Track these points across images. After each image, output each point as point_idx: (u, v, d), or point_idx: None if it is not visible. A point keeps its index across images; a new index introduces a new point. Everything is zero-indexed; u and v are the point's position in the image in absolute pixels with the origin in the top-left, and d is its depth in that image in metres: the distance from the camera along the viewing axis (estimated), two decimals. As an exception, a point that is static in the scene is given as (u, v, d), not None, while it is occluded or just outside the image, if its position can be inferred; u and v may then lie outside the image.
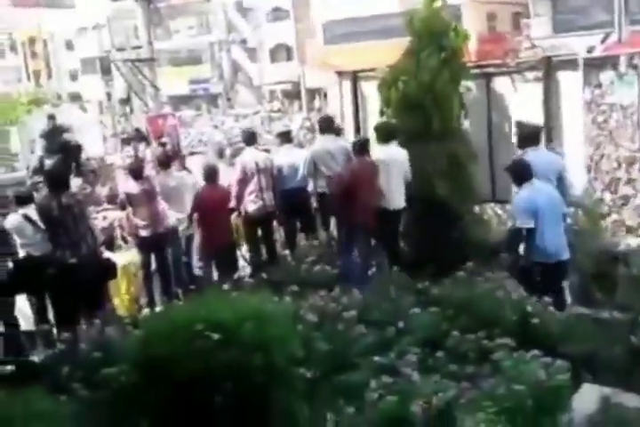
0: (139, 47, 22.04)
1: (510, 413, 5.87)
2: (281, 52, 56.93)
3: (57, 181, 9.17)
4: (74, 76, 68.11)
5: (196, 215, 10.82)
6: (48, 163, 16.05)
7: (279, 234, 11.73)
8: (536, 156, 8.95)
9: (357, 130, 12.15)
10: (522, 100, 10.20)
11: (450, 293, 8.10)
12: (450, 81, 9.90)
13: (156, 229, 10.76)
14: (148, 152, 14.21)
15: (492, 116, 10.54)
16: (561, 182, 9.04)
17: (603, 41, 23.67)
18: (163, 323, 5.89)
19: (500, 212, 11.22)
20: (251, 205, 10.99)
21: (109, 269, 9.42)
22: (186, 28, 59.29)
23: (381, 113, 10.45)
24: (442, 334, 7.47)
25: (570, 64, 9.87)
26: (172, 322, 5.73)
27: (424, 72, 9.85)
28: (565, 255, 8.47)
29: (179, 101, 52.33)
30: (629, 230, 9.88)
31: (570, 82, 9.86)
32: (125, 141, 15.93)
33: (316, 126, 11.08)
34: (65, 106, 25.38)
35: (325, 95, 44.35)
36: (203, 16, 59.63)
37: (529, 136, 9.31)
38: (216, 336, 5.51)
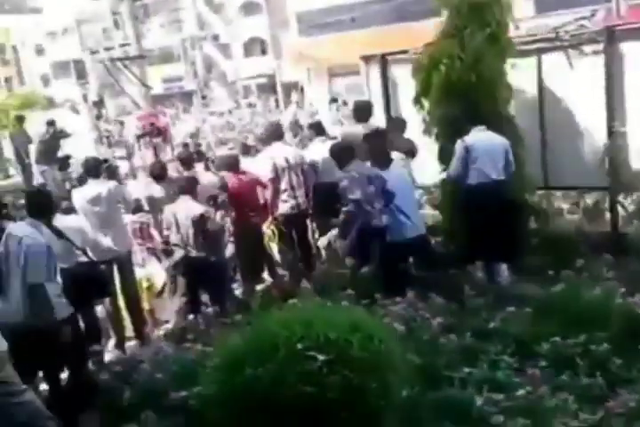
0: (126, 44, 21.24)
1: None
2: (255, 46, 56.04)
3: None
4: (46, 81, 66.99)
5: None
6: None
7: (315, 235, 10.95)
8: None
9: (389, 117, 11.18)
10: (579, 78, 9.31)
11: (535, 291, 7.32)
12: (497, 61, 8.98)
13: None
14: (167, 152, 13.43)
15: (545, 97, 9.63)
16: None
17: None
18: (251, 343, 5.11)
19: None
20: (283, 204, 10.29)
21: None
22: (157, 27, 58.13)
23: (416, 101, 9.54)
24: (532, 339, 6.67)
25: (635, 33, 8.91)
26: (267, 341, 4.95)
27: (469, 53, 8.94)
28: None
29: (154, 100, 51.20)
30: None
31: (636, 54, 8.93)
32: (140, 138, 15.14)
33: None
34: (59, 110, 24.35)
35: (302, 89, 43.48)
36: (173, 13, 58.49)
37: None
38: (322, 357, 4.78)
